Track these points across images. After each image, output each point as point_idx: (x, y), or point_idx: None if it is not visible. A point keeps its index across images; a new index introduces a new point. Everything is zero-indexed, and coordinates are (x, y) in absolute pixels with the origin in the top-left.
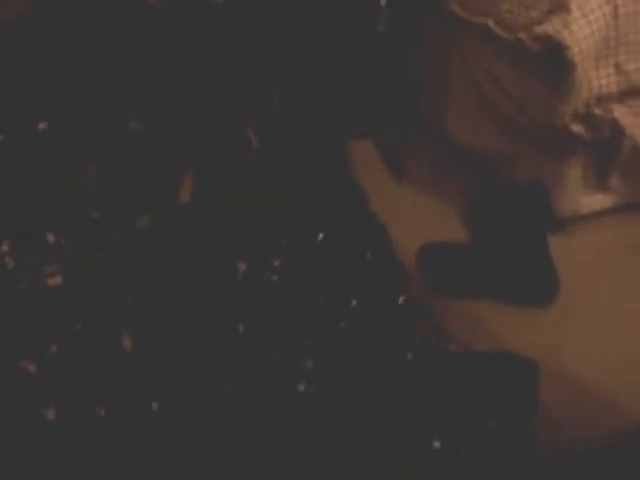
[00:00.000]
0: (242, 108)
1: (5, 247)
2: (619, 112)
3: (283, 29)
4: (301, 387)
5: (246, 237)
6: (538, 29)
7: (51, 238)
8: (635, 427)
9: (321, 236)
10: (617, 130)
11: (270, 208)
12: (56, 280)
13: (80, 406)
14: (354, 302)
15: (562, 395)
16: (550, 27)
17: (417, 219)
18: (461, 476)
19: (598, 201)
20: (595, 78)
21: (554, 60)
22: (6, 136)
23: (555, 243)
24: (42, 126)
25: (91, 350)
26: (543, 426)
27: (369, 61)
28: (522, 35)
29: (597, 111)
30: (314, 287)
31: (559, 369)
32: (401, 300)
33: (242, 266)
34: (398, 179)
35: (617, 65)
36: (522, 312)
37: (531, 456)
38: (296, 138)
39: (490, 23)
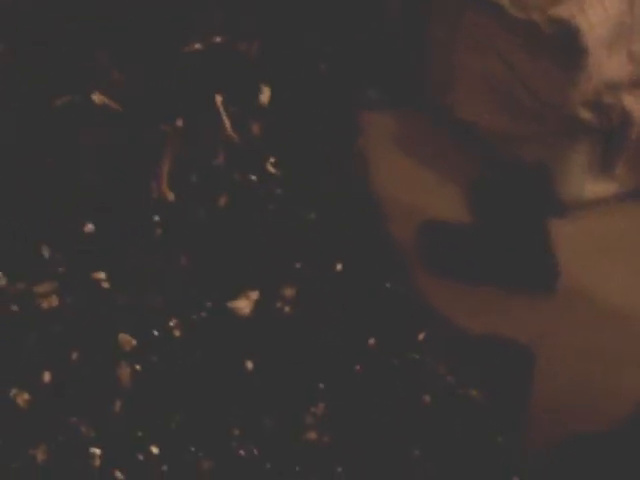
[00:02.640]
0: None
1: None
2: (629, 101)
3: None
4: (312, 435)
5: (256, 260)
6: (553, 11)
7: (46, 252)
8: (629, 418)
9: (340, 267)
10: (626, 118)
11: (281, 227)
12: (51, 301)
13: (73, 447)
14: (371, 340)
15: (556, 383)
16: (565, 10)
17: (418, 194)
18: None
19: (602, 188)
20: (607, 65)
21: (567, 44)
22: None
23: (557, 228)
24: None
25: (87, 382)
26: (536, 414)
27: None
28: (536, 16)
29: (607, 98)
30: (329, 321)
31: (555, 357)
32: (421, 337)
33: (253, 295)
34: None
35: (630, 53)
36: (520, 297)
37: (523, 441)
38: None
39: (503, 1)
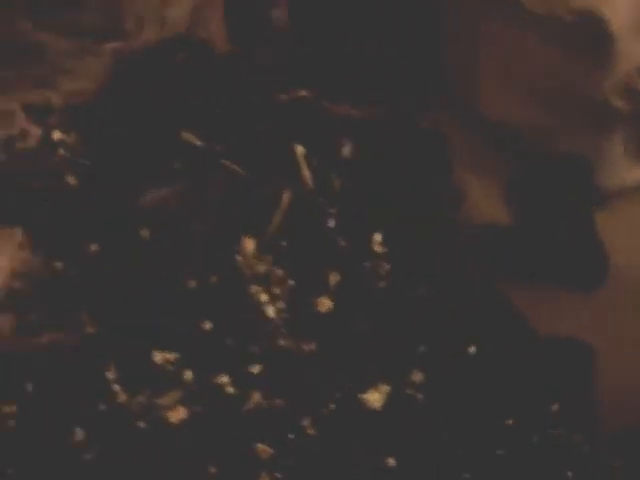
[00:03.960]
0: None
1: (111, 374)
2: None
3: None
4: None
5: (378, 346)
6: (574, 2)
7: (158, 357)
8: None
9: (473, 349)
10: None
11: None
12: (179, 414)
13: None
14: (510, 420)
15: (615, 377)
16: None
17: None
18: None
19: None
20: (635, 49)
21: (593, 33)
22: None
23: (600, 220)
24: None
25: None
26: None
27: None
28: (557, 9)
29: (639, 83)
30: (464, 405)
31: (609, 352)
32: (555, 408)
33: (383, 388)
34: None
35: None
36: (571, 294)
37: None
38: None
39: None
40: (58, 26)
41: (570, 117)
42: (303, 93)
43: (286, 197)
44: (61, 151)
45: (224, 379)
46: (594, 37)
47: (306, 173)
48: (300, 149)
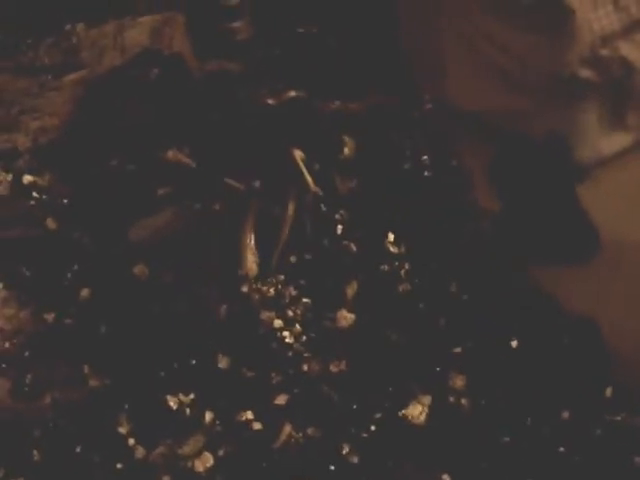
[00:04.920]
0: None
1: (124, 428)
2: (626, 49)
3: None
4: None
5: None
6: None
7: (173, 402)
8: None
9: (515, 343)
10: (626, 66)
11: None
12: (205, 461)
13: None
14: (565, 414)
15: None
16: None
17: None
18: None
19: (618, 140)
20: (595, 19)
21: (551, 9)
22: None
23: (582, 192)
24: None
25: None
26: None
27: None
28: None
29: (604, 52)
30: (511, 406)
31: (614, 319)
32: (608, 393)
33: (425, 399)
34: None
35: (615, 2)
36: (565, 270)
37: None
38: None
39: None
40: (15, 67)
41: (542, 96)
42: (292, 93)
43: (291, 207)
44: (35, 194)
45: (249, 415)
46: (554, 13)
47: (308, 178)
48: (299, 154)
